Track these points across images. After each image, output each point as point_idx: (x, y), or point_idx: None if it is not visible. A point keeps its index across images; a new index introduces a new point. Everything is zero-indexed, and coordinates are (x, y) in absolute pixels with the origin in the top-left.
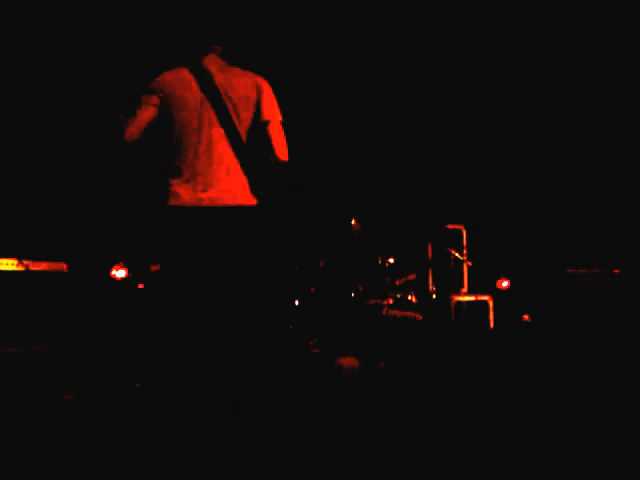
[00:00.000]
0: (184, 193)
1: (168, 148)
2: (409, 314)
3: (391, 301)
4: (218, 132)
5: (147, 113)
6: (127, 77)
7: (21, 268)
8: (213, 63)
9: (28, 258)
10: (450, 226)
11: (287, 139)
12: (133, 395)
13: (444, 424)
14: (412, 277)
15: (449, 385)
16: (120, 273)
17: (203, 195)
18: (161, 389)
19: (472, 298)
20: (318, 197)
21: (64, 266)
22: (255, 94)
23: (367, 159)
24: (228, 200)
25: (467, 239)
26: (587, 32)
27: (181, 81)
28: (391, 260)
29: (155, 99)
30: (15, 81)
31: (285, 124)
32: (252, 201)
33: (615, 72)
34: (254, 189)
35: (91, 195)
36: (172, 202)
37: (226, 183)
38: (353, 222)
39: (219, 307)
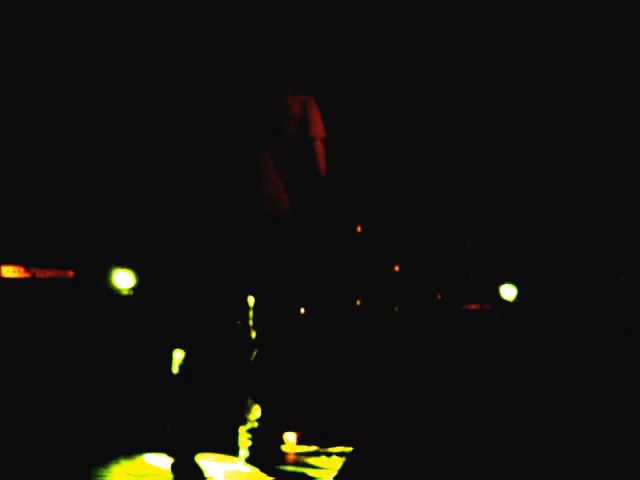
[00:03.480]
0: None
1: None
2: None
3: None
4: None
5: None
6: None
7: (27, 275)
8: None
9: (35, 265)
10: (456, 235)
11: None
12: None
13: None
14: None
15: (450, 391)
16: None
17: None
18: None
19: (477, 307)
20: (324, 205)
21: (71, 273)
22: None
23: (373, 166)
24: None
25: (473, 248)
26: (592, 40)
27: None
28: (396, 268)
29: None
30: (27, 88)
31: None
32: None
33: (620, 82)
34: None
35: (99, 202)
36: None
37: None
38: (358, 229)
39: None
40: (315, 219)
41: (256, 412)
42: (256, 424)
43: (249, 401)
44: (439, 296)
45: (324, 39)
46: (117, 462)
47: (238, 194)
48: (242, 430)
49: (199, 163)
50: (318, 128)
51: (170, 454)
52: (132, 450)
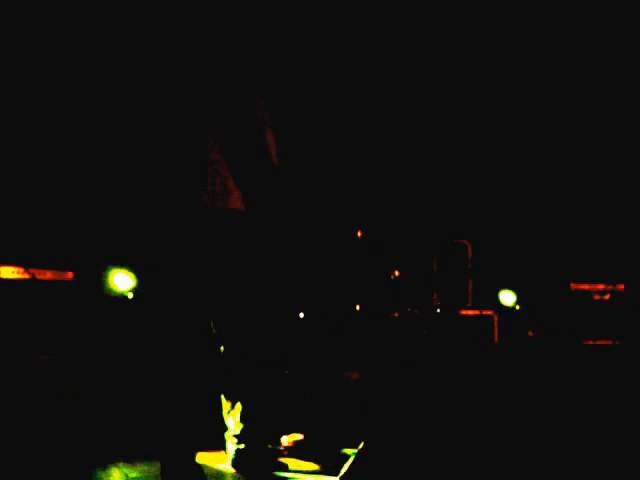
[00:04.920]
0: None
1: None
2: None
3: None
4: None
5: None
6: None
7: (27, 276)
8: None
9: (34, 266)
10: (455, 240)
11: (295, 150)
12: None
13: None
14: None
15: (446, 396)
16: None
17: None
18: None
19: (477, 313)
20: (322, 208)
21: (70, 275)
22: None
23: (372, 171)
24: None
25: (472, 253)
26: (592, 44)
27: None
28: (397, 273)
29: None
30: (26, 89)
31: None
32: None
33: (619, 89)
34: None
35: (98, 203)
36: None
37: None
38: (359, 234)
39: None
40: (272, 213)
41: (238, 415)
42: (241, 426)
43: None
44: (437, 302)
45: (316, 37)
46: (116, 465)
47: (179, 188)
48: (230, 433)
49: (147, 155)
50: (264, 117)
51: (164, 457)
52: (131, 453)
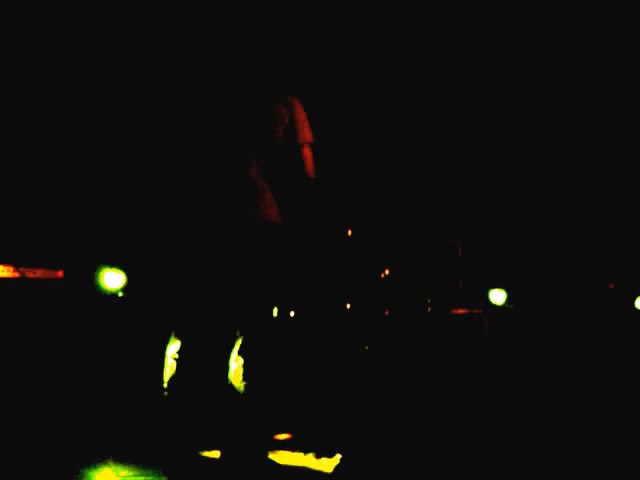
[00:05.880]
0: None
1: None
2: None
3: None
4: None
5: None
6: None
7: (17, 275)
8: None
9: (24, 265)
10: (446, 239)
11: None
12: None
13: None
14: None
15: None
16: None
17: None
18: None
19: (467, 311)
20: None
21: (60, 273)
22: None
23: (364, 170)
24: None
25: (463, 252)
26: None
27: None
28: (387, 272)
29: None
30: (23, 89)
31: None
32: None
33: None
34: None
35: (89, 202)
36: None
37: None
38: (349, 232)
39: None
40: (307, 224)
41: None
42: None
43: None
44: (428, 300)
45: (310, 38)
46: (106, 464)
47: (222, 199)
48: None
49: (187, 166)
50: (305, 132)
51: (169, 452)
52: (122, 452)
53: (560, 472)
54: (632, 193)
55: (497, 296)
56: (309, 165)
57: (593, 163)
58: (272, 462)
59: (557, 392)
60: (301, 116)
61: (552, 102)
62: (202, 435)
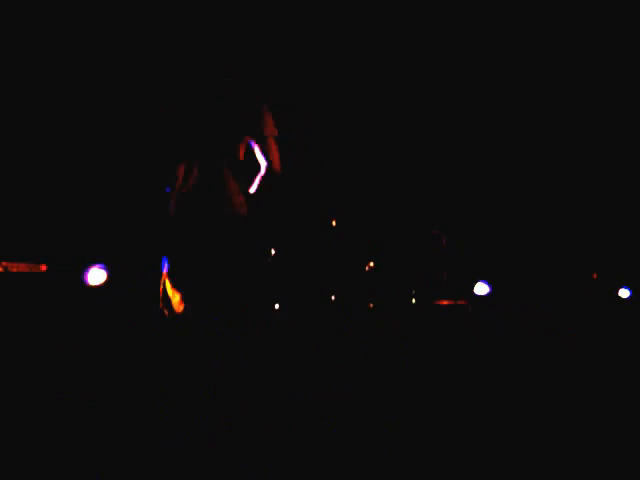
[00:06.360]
0: None
1: None
2: None
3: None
4: None
5: None
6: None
7: (0, 269)
8: None
9: (7, 259)
10: (430, 230)
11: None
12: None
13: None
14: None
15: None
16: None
17: None
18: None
19: (451, 302)
20: (299, 198)
21: (44, 267)
22: None
23: (349, 162)
24: None
25: (447, 244)
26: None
27: None
28: (371, 264)
29: None
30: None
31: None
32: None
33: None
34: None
35: (72, 195)
36: None
37: None
38: (333, 223)
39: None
40: (275, 217)
41: None
42: None
43: None
44: (413, 292)
45: (299, 36)
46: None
47: (210, 197)
48: None
49: (174, 163)
50: (270, 126)
51: None
52: (111, 451)
53: (552, 469)
54: (615, 185)
55: (480, 288)
56: (275, 158)
57: (575, 155)
58: None
59: (542, 383)
60: (265, 111)
61: (533, 97)
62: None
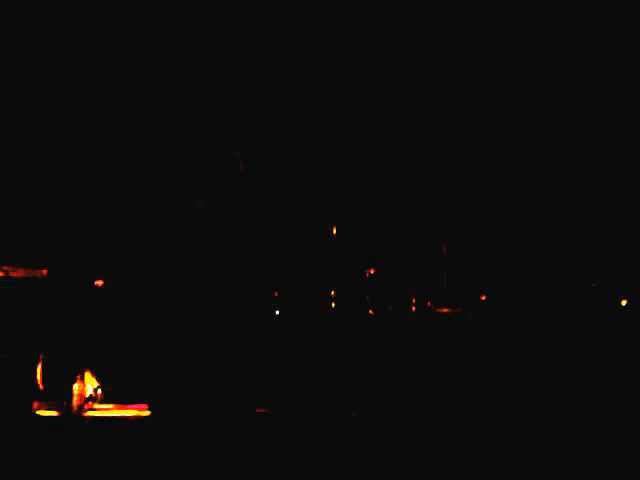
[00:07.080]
0: None
1: None
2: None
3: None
4: None
5: None
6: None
7: (0, 274)
8: None
9: (8, 264)
10: (431, 240)
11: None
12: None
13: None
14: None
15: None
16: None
17: None
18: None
19: (451, 310)
20: (300, 205)
21: (44, 272)
22: None
23: (349, 170)
24: None
25: (448, 253)
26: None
27: None
28: (372, 271)
29: None
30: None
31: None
32: None
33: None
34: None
35: (72, 202)
36: None
37: None
38: (334, 231)
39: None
40: (232, 213)
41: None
42: None
43: None
44: (413, 299)
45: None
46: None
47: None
48: None
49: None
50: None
51: None
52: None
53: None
54: (615, 193)
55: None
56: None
57: (575, 164)
58: None
59: (542, 386)
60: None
61: (531, 104)
62: None
